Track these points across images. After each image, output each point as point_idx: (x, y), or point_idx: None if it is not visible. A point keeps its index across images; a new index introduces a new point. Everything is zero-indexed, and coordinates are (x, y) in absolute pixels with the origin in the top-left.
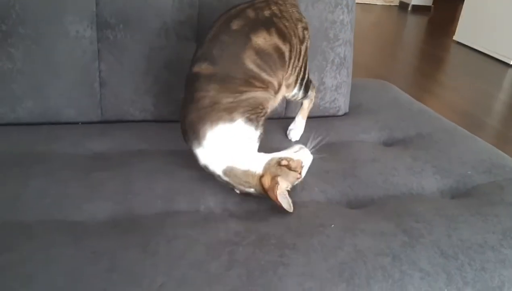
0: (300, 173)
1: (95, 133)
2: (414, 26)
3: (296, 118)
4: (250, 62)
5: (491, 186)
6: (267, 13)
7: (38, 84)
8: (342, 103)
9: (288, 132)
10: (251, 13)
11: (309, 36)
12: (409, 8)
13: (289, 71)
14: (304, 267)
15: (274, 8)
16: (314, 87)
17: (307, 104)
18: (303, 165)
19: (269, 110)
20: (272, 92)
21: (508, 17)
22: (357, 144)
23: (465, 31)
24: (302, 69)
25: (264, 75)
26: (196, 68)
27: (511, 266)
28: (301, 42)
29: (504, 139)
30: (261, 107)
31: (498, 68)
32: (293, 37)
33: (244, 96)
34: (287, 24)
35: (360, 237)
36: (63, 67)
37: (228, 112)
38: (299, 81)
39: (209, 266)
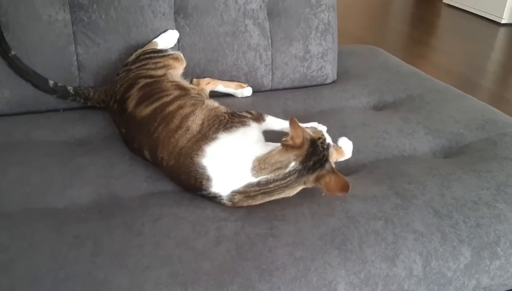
0: None
1: (76, 119)
2: None
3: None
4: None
5: (484, 142)
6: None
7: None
8: (329, 71)
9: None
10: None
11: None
12: None
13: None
14: (295, 236)
15: (131, 75)
16: None
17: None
18: None
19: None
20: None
21: None
22: (347, 110)
23: None
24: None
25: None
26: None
27: (506, 221)
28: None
29: (499, 99)
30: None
31: (489, 28)
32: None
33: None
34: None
35: (351, 202)
36: (38, 53)
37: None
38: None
39: (195, 243)
